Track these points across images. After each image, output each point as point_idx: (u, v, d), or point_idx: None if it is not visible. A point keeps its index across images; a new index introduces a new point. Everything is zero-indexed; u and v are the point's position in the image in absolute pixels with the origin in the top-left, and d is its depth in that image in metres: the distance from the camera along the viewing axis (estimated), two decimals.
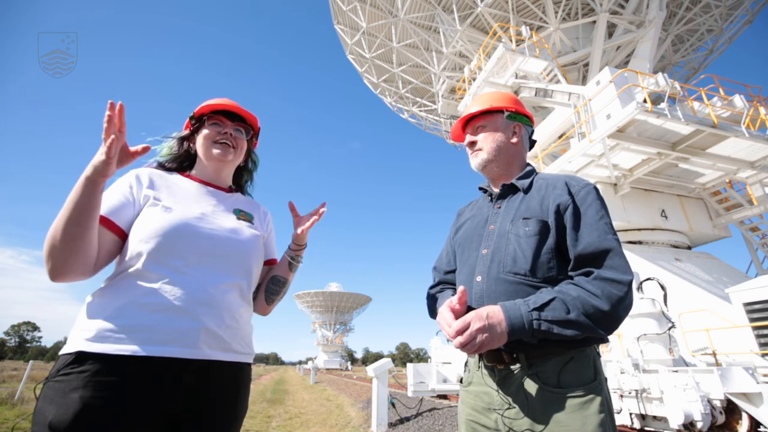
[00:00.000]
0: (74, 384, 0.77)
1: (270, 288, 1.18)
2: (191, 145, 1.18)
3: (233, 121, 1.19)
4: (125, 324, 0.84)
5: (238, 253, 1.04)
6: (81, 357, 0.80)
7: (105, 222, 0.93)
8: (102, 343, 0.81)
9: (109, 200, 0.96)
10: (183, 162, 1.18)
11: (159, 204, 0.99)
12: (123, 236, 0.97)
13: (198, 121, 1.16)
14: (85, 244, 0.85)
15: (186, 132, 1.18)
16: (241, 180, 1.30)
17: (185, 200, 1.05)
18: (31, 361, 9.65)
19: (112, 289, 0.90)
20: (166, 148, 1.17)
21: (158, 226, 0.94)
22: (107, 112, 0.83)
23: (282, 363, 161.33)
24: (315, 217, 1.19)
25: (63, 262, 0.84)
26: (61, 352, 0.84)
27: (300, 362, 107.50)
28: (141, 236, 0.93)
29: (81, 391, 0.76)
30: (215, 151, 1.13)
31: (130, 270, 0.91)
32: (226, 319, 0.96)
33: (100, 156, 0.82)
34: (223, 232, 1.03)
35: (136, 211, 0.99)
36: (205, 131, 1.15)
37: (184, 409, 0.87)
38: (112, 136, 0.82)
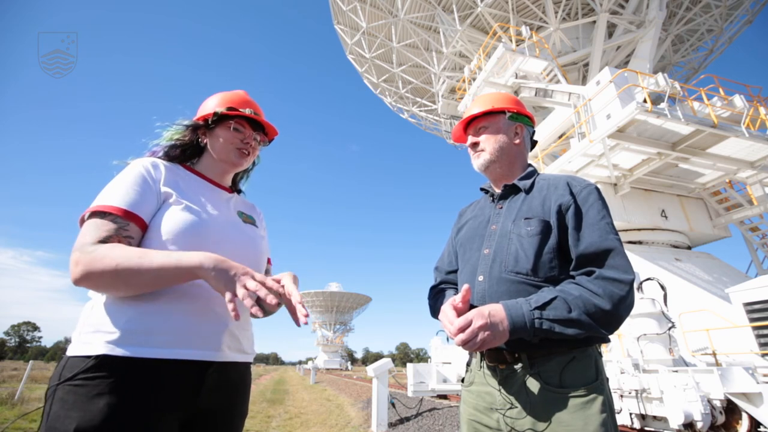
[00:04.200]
0: (99, 389, 0.74)
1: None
2: (202, 136, 1.15)
3: (254, 130, 1.17)
4: (152, 327, 0.82)
5: (254, 257, 1.06)
6: (104, 360, 0.76)
7: (131, 217, 0.88)
8: (128, 347, 0.78)
9: (130, 192, 0.90)
10: (186, 151, 1.15)
11: (182, 203, 0.96)
12: (146, 230, 0.92)
13: (219, 118, 1.12)
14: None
15: (201, 122, 1.13)
16: (236, 177, 1.30)
17: (201, 199, 1.03)
18: (31, 361, 9.68)
19: None
20: (175, 132, 1.12)
21: (187, 227, 0.91)
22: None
23: (282, 363, 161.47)
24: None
25: (110, 290, 0.82)
26: (75, 353, 0.79)
27: (300, 362, 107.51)
28: (168, 236, 0.89)
29: (108, 396, 0.73)
30: (233, 157, 1.12)
31: None
32: (242, 321, 0.99)
33: (234, 282, 0.79)
34: (243, 236, 1.05)
35: (157, 204, 0.94)
36: (226, 134, 1.12)
37: (201, 408, 0.87)
38: (274, 298, 0.78)
